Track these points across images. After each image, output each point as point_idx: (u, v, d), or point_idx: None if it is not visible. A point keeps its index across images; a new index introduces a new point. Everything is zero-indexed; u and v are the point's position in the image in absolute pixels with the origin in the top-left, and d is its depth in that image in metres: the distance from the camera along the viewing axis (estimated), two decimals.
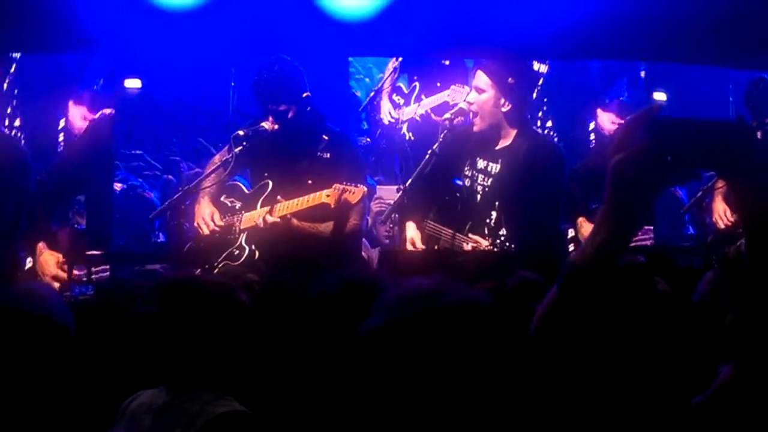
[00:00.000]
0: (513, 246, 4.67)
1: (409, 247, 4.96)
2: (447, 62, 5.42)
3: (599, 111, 5.80)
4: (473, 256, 4.68)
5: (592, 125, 5.84)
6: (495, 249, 4.67)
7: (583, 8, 5.60)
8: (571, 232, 5.14)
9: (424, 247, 4.91)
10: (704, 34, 5.81)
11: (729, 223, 5.39)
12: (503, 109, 4.89)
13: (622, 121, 6.05)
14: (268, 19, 5.37)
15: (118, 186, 5.38)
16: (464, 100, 5.00)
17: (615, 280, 1.55)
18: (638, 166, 1.46)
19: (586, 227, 5.09)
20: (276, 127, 4.84)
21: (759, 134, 5.33)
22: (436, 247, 4.89)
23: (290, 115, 4.84)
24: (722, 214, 5.44)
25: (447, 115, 5.03)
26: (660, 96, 5.68)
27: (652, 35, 5.74)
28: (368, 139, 5.39)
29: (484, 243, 4.73)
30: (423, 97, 5.27)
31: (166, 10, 5.17)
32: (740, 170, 1.46)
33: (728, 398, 1.56)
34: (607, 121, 5.72)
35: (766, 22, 5.73)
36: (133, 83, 5.68)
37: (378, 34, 5.40)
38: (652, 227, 5.18)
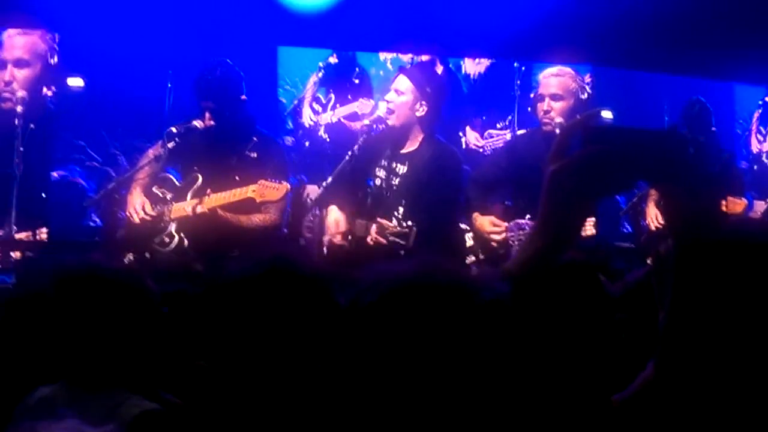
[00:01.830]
0: (415, 228, 5.02)
1: (334, 227, 5.25)
2: (357, 81, 5.90)
3: (467, 128, 6.36)
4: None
5: (463, 139, 6.40)
6: (401, 229, 5.00)
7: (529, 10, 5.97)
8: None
9: (346, 228, 5.23)
10: (652, 40, 6.22)
11: (659, 226, 5.83)
12: (417, 114, 5.22)
13: (481, 138, 6.57)
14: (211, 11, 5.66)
15: (55, 174, 5.63)
16: (386, 102, 5.34)
17: (556, 281, 1.51)
18: (574, 175, 1.43)
19: (480, 220, 5.52)
20: (212, 123, 5.09)
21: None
22: (350, 238, 5.22)
23: (225, 114, 5.12)
24: (654, 218, 5.92)
25: (366, 122, 5.39)
26: (606, 114, 6.11)
27: (600, 40, 6.13)
28: (292, 138, 5.84)
29: (391, 225, 5.06)
30: (337, 106, 5.85)
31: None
32: (671, 180, 1.44)
33: (647, 395, 1.56)
34: (472, 137, 6.28)
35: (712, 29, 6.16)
36: (75, 82, 5.89)
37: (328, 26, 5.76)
38: (594, 219, 5.58)
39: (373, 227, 5.09)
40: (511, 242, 5.53)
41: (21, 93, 5.27)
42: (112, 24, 5.61)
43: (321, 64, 5.84)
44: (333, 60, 5.88)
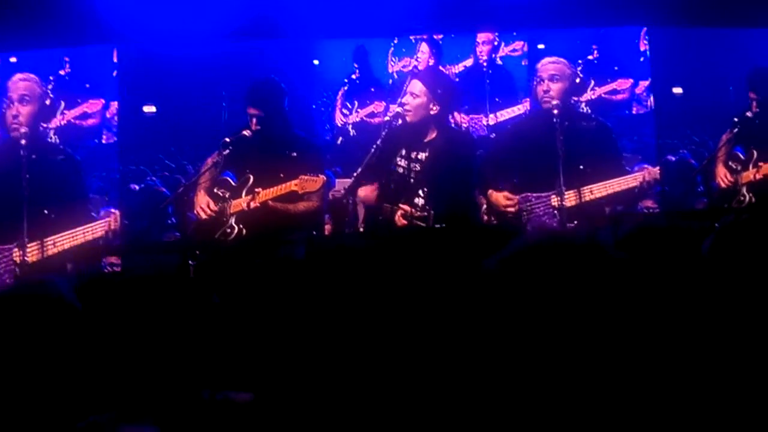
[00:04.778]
0: (432, 212, 5.70)
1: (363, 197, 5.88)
2: (373, 89, 6.75)
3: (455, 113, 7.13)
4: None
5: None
6: (422, 213, 5.74)
7: None
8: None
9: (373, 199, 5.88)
10: None
11: (728, 184, 6.43)
12: (431, 112, 5.96)
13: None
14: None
15: (136, 186, 6.57)
16: (399, 105, 6.09)
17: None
18: None
19: (495, 196, 6.13)
20: (258, 128, 5.82)
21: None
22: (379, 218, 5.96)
23: (269, 121, 5.88)
24: (723, 176, 6.46)
25: (387, 118, 6.13)
26: (677, 90, 6.58)
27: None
28: (328, 137, 6.76)
29: (410, 209, 5.78)
30: (359, 109, 6.74)
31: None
32: None
33: None
34: (458, 118, 7.05)
35: None
36: (149, 108, 6.81)
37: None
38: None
39: (399, 212, 5.82)
40: (521, 213, 6.18)
41: (23, 129, 6.13)
42: (174, 54, 6.52)
43: (346, 80, 6.79)
44: (355, 77, 6.81)
